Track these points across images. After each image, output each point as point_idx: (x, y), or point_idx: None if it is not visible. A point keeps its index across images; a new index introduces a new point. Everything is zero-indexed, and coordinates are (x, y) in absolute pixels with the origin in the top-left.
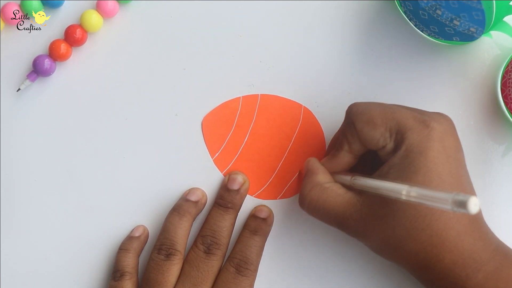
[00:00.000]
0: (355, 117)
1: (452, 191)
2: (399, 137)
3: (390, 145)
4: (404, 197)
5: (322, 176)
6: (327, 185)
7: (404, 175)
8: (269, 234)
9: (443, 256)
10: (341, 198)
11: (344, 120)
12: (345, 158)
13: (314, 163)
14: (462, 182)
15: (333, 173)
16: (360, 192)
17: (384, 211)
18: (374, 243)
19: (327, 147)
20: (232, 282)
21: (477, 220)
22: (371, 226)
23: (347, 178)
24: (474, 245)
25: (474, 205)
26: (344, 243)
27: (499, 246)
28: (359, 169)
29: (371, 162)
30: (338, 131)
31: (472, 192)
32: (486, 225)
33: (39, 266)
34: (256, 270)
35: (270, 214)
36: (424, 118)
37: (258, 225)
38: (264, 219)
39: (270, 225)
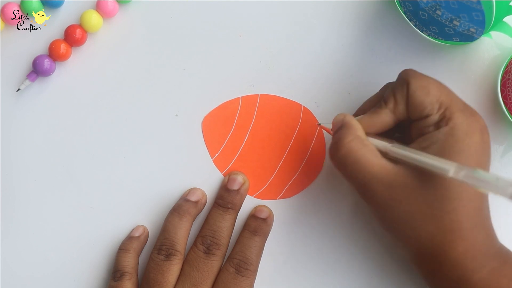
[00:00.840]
0: (411, 79)
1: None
2: (448, 113)
3: (434, 117)
4: (451, 175)
5: (361, 132)
6: (367, 142)
7: (447, 153)
8: (269, 234)
9: (457, 243)
10: (378, 159)
11: (397, 80)
12: (386, 117)
13: (351, 118)
14: None
15: (368, 134)
16: (395, 161)
17: (417, 184)
18: (393, 215)
19: (356, 111)
20: (232, 282)
21: (490, 218)
22: (399, 196)
23: (384, 143)
24: (486, 239)
25: None
26: (344, 243)
27: (502, 246)
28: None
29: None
30: (373, 96)
31: None
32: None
33: (39, 266)
34: (256, 270)
35: (270, 214)
36: (472, 109)
37: (258, 225)
38: (264, 219)
39: (270, 225)
